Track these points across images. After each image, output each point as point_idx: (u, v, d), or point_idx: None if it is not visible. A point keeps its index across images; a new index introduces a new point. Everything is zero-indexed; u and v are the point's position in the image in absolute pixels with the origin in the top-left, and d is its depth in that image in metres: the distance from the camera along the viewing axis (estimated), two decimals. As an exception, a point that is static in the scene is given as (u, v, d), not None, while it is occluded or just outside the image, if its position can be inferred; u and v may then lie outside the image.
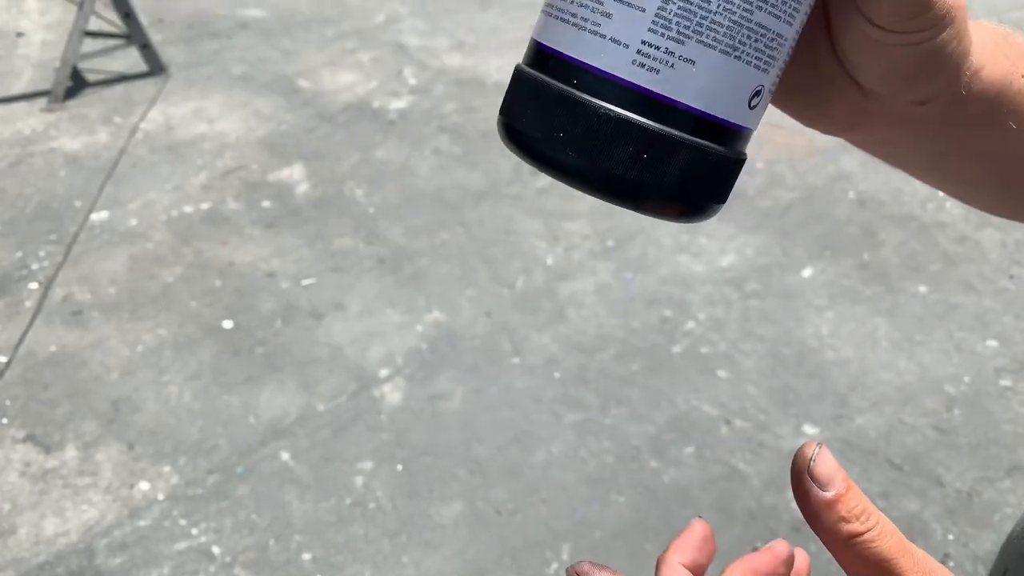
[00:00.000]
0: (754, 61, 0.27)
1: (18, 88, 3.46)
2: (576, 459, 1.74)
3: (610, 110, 0.26)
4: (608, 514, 1.64)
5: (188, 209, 2.60)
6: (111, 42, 3.54)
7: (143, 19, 3.58)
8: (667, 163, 0.27)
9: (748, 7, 0.26)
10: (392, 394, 1.90)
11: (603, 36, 0.26)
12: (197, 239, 2.45)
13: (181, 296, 2.21)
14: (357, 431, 1.80)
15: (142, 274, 2.30)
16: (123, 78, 3.51)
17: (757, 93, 0.28)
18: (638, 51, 0.26)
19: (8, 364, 1.98)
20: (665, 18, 0.25)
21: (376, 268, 2.32)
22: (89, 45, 3.45)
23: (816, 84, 0.33)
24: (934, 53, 0.29)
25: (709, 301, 2.15)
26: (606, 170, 0.26)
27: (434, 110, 3.22)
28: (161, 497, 1.66)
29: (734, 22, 0.26)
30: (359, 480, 1.70)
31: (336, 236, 2.46)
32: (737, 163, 0.29)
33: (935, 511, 1.64)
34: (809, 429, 1.80)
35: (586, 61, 0.26)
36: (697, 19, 0.25)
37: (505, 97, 0.30)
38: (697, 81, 0.26)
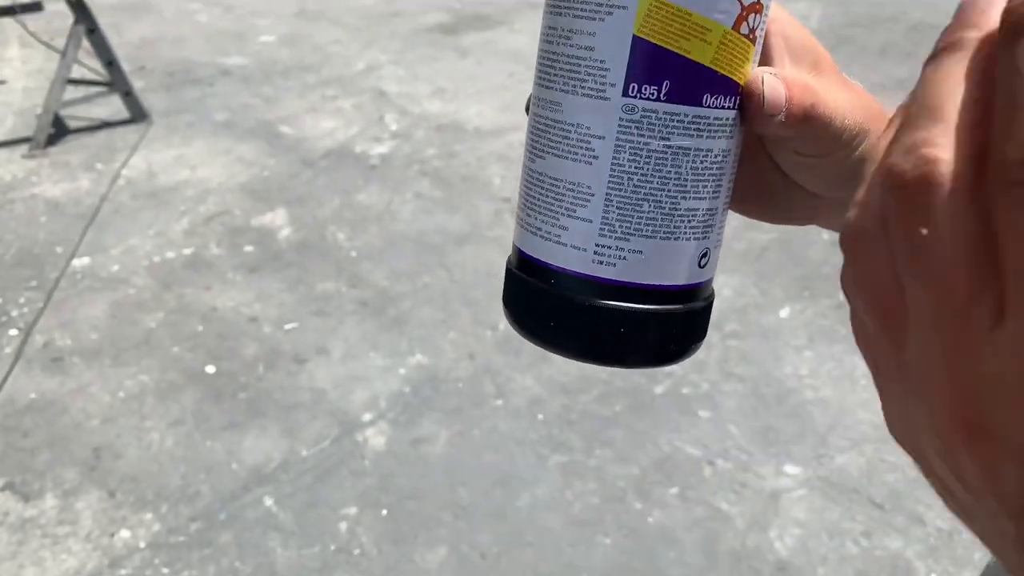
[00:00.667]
0: (693, 237, 0.32)
1: (0, 135, 3.46)
2: (561, 501, 1.74)
3: (584, 301, 0.32)
4: (594, 557, 1.64)
5: (170, 255, 2.61)
6: (93, 89, 3.57)
7: (125, 66, 3.62)
8: (642, 332, 0.32)
9: (674, 200, 0.31)
10: (375, 438, 1.90)
11: (565, 244, 0.32)
12: (179, 284, 2.45)
13: (163, 342, 2.20)
14: (341, 476, 1.80)
15: (124, 320, 2.29)
16: (105, 125, 3.53)
17: (704, 255, 0.33)
18: (595, 252, 0.32)
19: (-14, 412, 1.96)
20: (609, 224, 0.31)
21: (359, 312, 2.33)
22: (71, 92, 3.47)
23: (770, 192, 0.37)
24: (860, 161, 0.33)
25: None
26: (596, 347, 0.32)
27: (415, 155, 3.26)
28: (142, 545, 1.64)
29: (665, 214, 0.31)
30: (343, 526, 1.69)
31: (319, 280, 2.47)
32: (704, 310, 0.34)
33: (917, 549, 1.65)
34: (791, 469, 1.82)
35: (557, 264, 0.32)
36: (635, 220, 0.31)
37: (504, 292, 0.36)
38: (648, 266, 0.32)
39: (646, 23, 0.29)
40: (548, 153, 0.32)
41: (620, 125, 0.30)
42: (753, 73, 0.31)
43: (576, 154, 0.31)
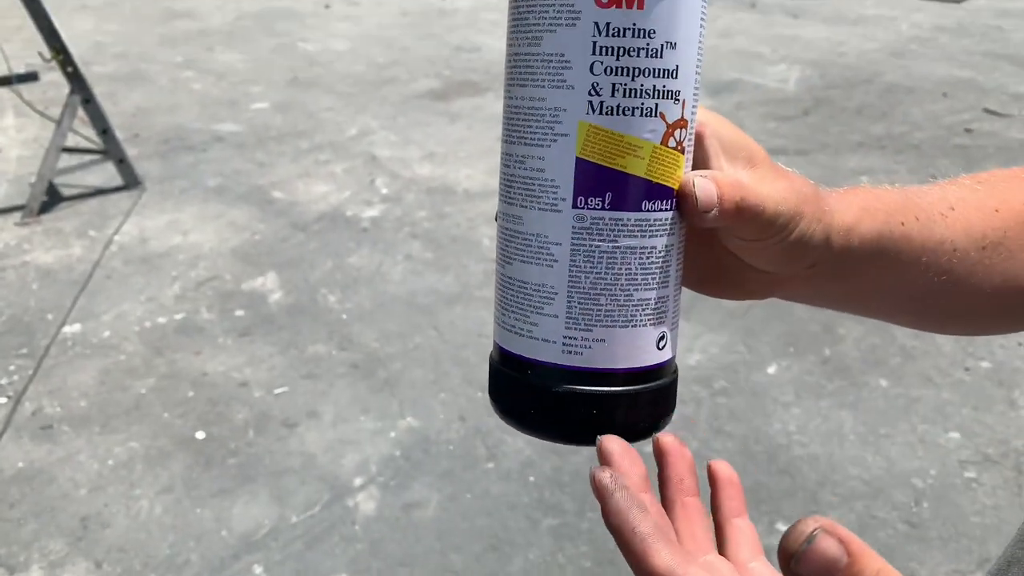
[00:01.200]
0: (649, 323, 0.36)
1: (-7, 203, 3.50)
2: (554, 565, 1.73)
3: (557, 387, 0.36)
4: (587, 621, 1.62)
5: (161, 320, 2.62)
6: (87, 157, 3.62)
7: (120, 134, 3.68)
8: (613, 411, 0.36)
9: (627, 292, 0.35)
10: (366, 503, 1.89)
11: (536, 338, 0.36)
12: (170, 350, 2.46)
13: (153, 407, 2.20)
14: (331, 543, 1.78)
15: (114, 386, 2.29)
16: (99, 192, 3.58)
17: (662, 338, 0.37)
18: (563, 343, 0.36)
19: (-27, 482, 1.94)
20: (573, 318, 0.36)
21: (350, 374, 2.34)
22: (65, 160, 3.52)
23: (726, 274, 0.42)
24: (798, 241, 0.38)
25: (679, 399, 2.18)
26: (572, 429, 0.36)
27: (406, 217, 3.31)
28: (129, 618, 1.62)
29: (621, 305, 0.36)
30: (334, 593, 1.67)
31: (309, 343, 2.49)
32: (668, 386, 0.38)
33: (911, 607, 1.64)
34: (782, 526, 1.82)
35: (531, 356, 0.37)
36: (595, 312, 0.35)
37: (488, 385, 0.40)
38: (612, 352, 0.36)
39: (586, 146, 0.34)
40: (515, 259, 0.37)
41: (573, 232, 0.35)
42: (685, 177, 0.36)
43: (539, 259, 0.36)
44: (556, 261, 0.35)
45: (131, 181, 3.61)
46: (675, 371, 0.39)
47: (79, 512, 1.86)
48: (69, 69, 3.34)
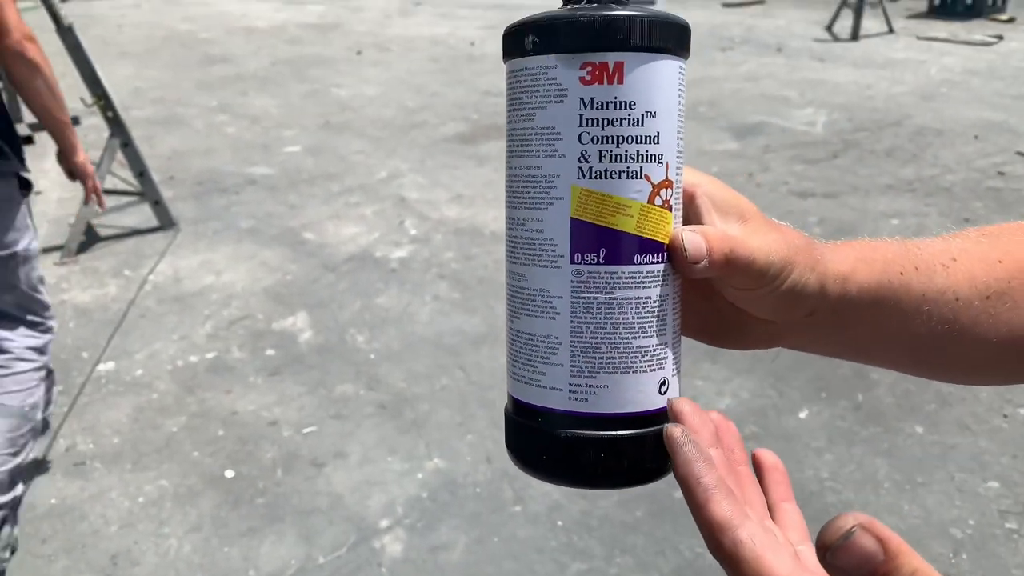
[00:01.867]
0: (649, 369, 0.38)
1: (33, 243, 3.58)
2: (581, 611, 1.70)
3: (566, 433, 0.38)
4: (616, 670, 1.59)
5: (193, 359, 2.65)
6: (125, 199, 3.71)
7: (156, 177, 3.77)
8: (621, 454, 0.38)
9: (626, 340, 0.38)
10: (392, 545, 1.88)
11: (544, 386, 0.39)
12: (201, 388, 2.49)
13: (184, 446, 2.22)
14: (358, 584, 1.77)
15: (146, 424, 2.32)
16: (135, 232, 3.66)
17: (663, 383, 0.39)
18: (569, 390, 0.38)
19: (6, 518, 1.96)
20: (577, 366, 0.38)
21: (377, 414, 2.34)
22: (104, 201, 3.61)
23: (727, 324, 0.44)
24: (792, 289, 0.40)
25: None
26: (583, 473, 0.39)
27: (434, 258, 3.34)
28: (155, 658, 1.61)
29: (621, 352, 0.38)
30: (359, 637, 1.65)
31: (338, 383, 2.50)
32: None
33: (951, 662, 1.59)
34: (816, 576, 1.77)
35: (541, 404, 0.39)
36: (597, 360, 0.38)
37: (505, 435, 0.42)
38: (616, 397, 0.38)
39: (579, 208, 0.38)
40: (522, 314, 0.40)
41: (572, 286, 0.38)
42: (674, 232, 0.39)
43: (543, 312, 0.39)
44: (559, 313, 0.38)
45: (166, 222, 3.68)
46: None
47: (109, 549, 1.87)
48: (109, 114, 3.44)
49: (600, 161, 0.37)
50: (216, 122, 5.44)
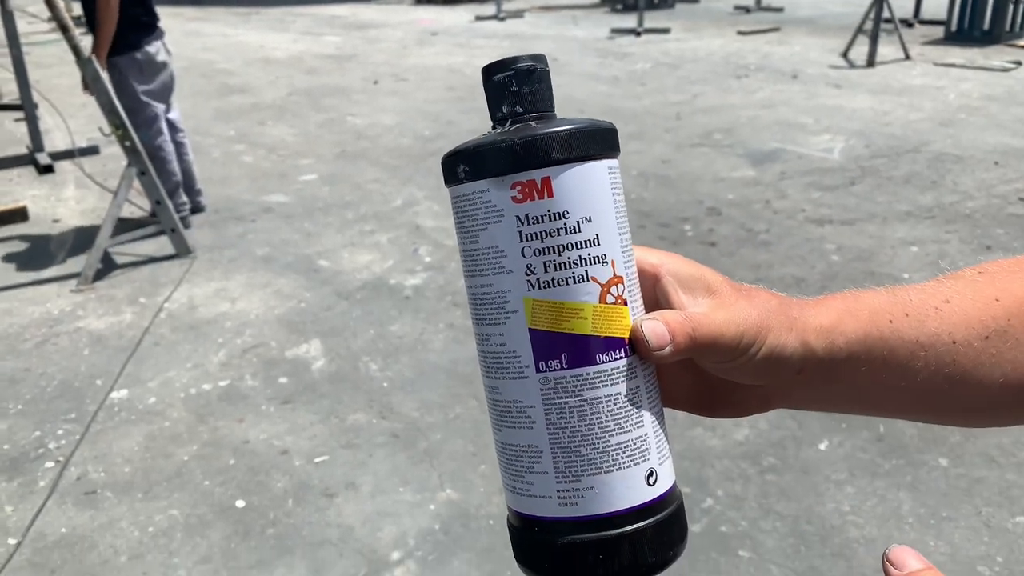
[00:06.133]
0: (632, 463, 0.38)
1: (51, 271, 3.61)
2: (596, 649, 1.66)
3: (562, 540, 0.38)
4: None
5: (206, 387, 2.64)
6: (141, 228, 3.74)
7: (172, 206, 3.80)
8: (619, 553, 0.38)
9: (603, 439, 0.38)
10: (404, 578, 1.84)
11: (534, 495, 0.39)
12: (213, 417, 2.47)
13: (195, 475, 2.20)
14: (368, 619, 1.74)
15: (158, 452, 2.30)
16: (151, 260, 3.68)
17: (650, 474, 0.39)
18: (558, 497, 0.38)
19: (18, 547, 1.95)
20: (561, 471, 0.38)
21: (389, 444, 2.32)
22: (120, 229, 3.64)
23: (718, 395, 0.44)
24: (771, 353, 0.40)
25: (727, 477, 2.12)
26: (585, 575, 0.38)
27: (448, 286, 3.33)
28: None
29: (600, 452, 0.38)
30: (369, 674, 1.62)
31: (350, 412, 2.48)
32: (670, 517, 0.40)
33: None
34: (839, 614, 1.72)
35: (534, 514, 0.39)
36: (579, 464, 0.38)
37: (511, 543, 0.42)
38: (603, 498, 0.38)
39: (534, 318, 0.38)
40: (503, 426, 0.40)
41: (542, 394, 0.38)
42: (634, 323, 0.39)
43: (519, 423, 0.39)
44: (534, 422, 0.39)
45: (182, 250, 3.70)
46: (677, 499, 0.41)
47: (117, 581, 1.84)
48: (127, 143, 3.47)
49: (546, 271, 0.38)
50: (233, 151, 5.49)
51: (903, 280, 3.12)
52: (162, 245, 3.76)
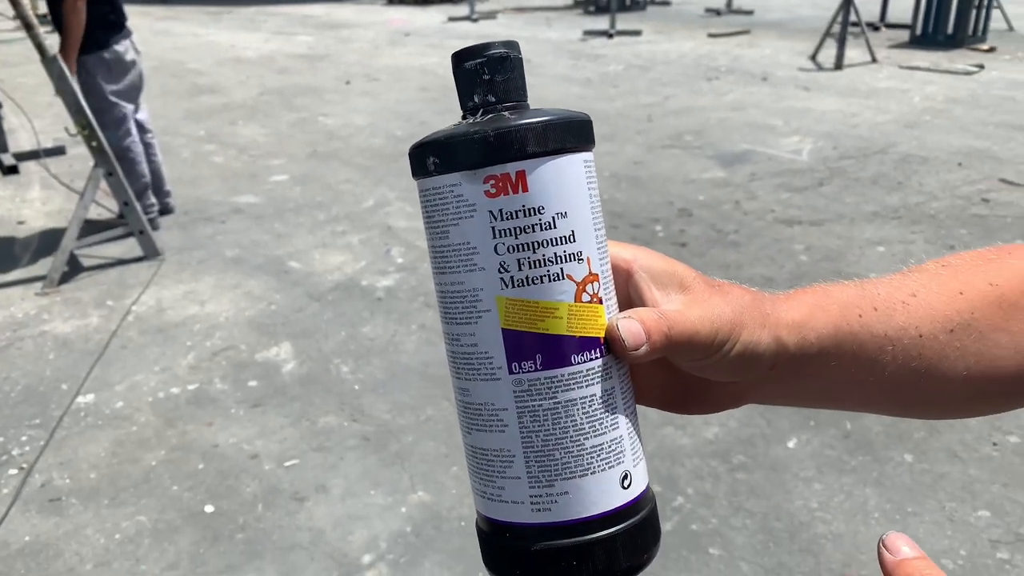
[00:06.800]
0: (607, 467, 0.37)
1: (15, 274, 3.55)
2: (568, 648, 1.66)
3: (535, 546, 0.37)
4: None
5: (175, 390, 2.61)
6: (109, 230, 3.68)
7: (140, 206, 3.75)
8: (593, 559, 0.37)
9: (578, 443, 0.37)
10: (376, 581, 1.84)
11: (506, 501, 0.38)
12: (182, 421, 2.44)
13: (163, 480, 2.17)
14: (339, 622, 1.73)
15: (125, 458, 2.27)
16: (119, 262, 3.62)
17: (625, 477, 0.38)
18: (530, 502, 0.37)
19: (-22, 557, 1.91)
20: (534, 476, 0.37)
21: (360, 447, 2.30)
22: (87, 231, 3.58)
23: (691, 392, 0.44)
24: (745, 349, 0.40)
25: (697, 475, 2.13)
26: None
27: (420, 287, 3.32)
28: None
29: (575, 456, 0.37)
30: (340, 678, 1.61)
31: (321, 414, 2.46)
32: (643, 520, 0.39)
33: None
34: (807, 610, 1.74)
35: (506, 519, 0.38)
36: (553, 468, 0.37)
37: (480, 549, 0.41)
38: (578, 502, 0.37)
39: (508, 318, 0.37)
40: (473, 429, 0.39)
41: (515, 396, 0.37)
42: (609, 323, 0.38)
43: (491, 426, 0.38)
44: (507, 426, 0.37)
45: (151, 252, 3.65)
46: (651, 501, 0.40)
47: (82, 589, 1.82)
48: (94, 144, 3.42)
49: (520, 269, 0.37)
50: (203, 151, 5.43)
51: (870, 280, 3.16)
52: (130, 247, 3.71)
